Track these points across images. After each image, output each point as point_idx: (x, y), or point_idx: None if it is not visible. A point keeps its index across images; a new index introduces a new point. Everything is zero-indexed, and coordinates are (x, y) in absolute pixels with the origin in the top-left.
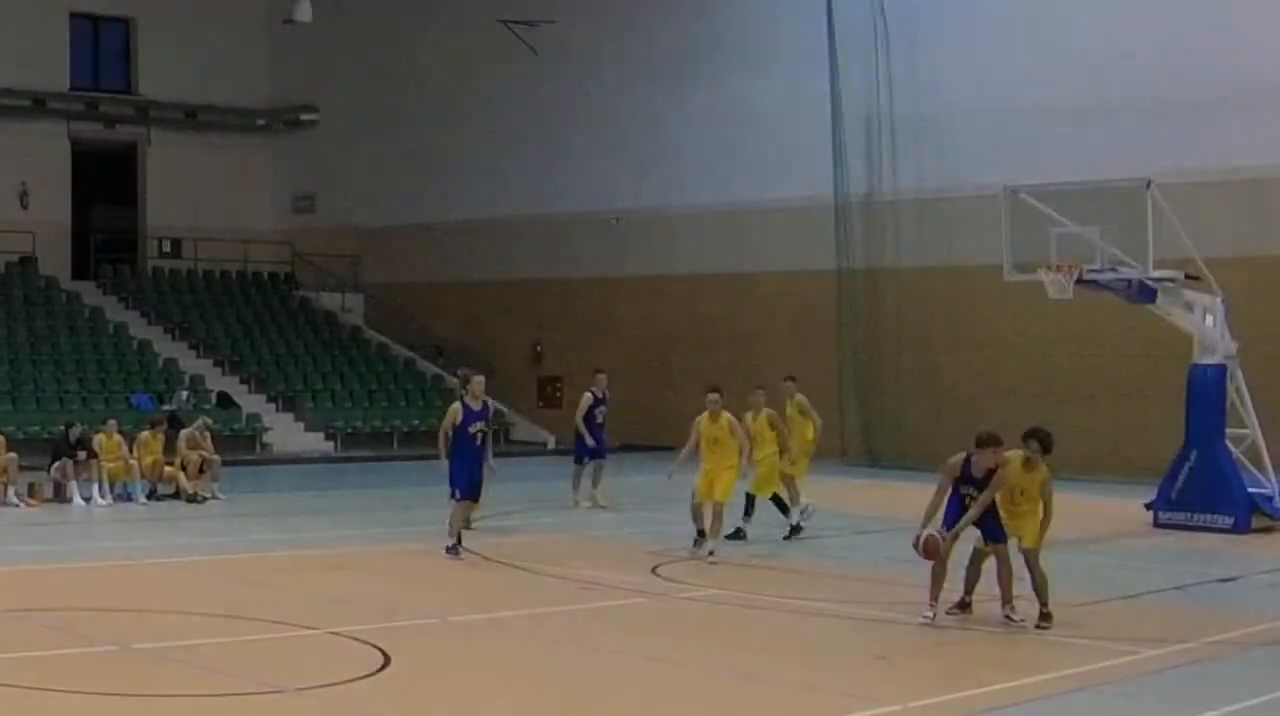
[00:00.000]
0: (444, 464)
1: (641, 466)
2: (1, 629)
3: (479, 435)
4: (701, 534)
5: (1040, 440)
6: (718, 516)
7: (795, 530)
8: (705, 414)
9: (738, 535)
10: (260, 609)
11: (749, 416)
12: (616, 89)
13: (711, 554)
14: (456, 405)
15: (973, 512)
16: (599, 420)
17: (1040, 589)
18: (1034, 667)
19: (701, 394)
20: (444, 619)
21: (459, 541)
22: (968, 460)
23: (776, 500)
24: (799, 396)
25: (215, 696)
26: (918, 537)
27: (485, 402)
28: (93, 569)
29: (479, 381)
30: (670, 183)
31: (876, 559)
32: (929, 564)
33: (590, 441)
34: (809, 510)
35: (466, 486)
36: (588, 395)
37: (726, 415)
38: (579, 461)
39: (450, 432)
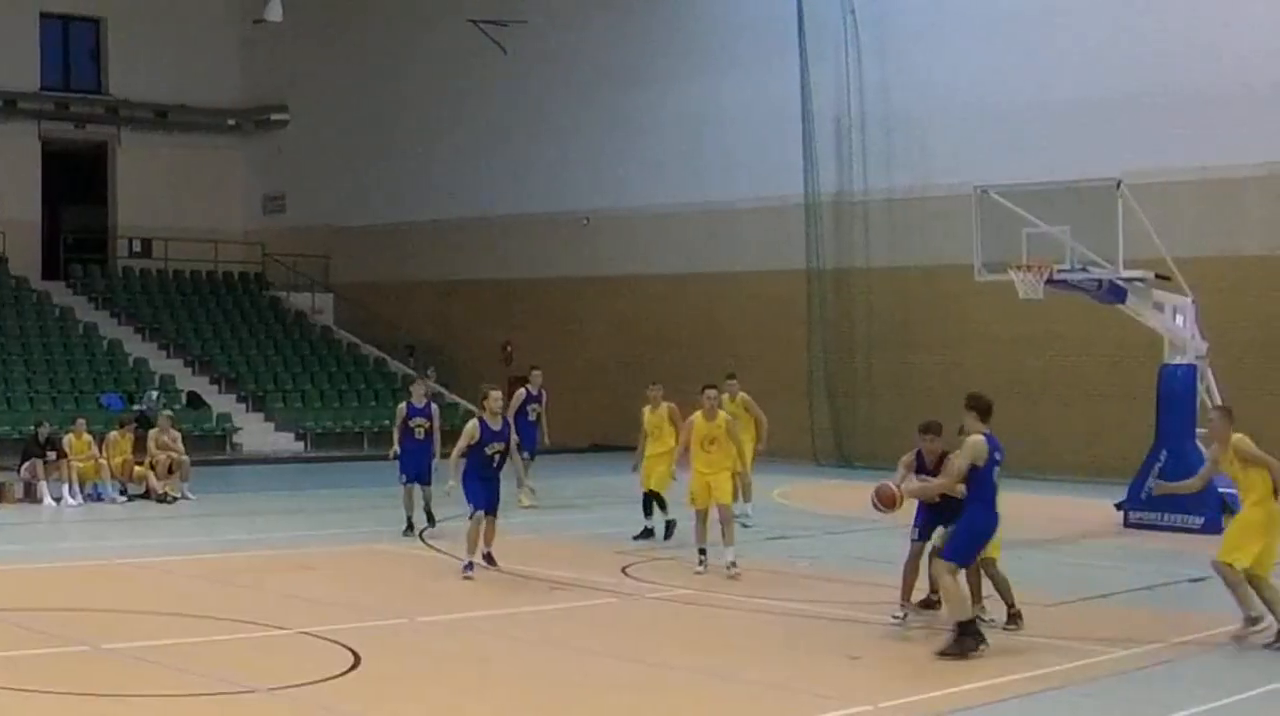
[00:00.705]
0: (456, 487)
1: (611, 466)
2: None
3: (496, 457)
4: (703, 552)
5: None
6: (727, 522)
7: (649, 533)
8: (700, 412)
9: (647, 535)
10: (231, 609)
11: (646, 410)
12: (587, 89)
13: (733, 565)
14: (473, 424)
15: (935, 485)
16: (531, 417)
17: (1003, 591)
18: (1004, 668)
19: (673, 395)
20: (414, 619)
21: (489, 559)
22: (919, 452)
23: (656, 497)
24: (741, 394)
25: (186, 696)
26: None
27: (505, 421)
28: (63, 569)
29: (496, 397)
30: (640, 183)
31: (847, 559)
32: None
33: (522, 435)
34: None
35: (486, 501)
36: (520, 391)
37: (723, 414)
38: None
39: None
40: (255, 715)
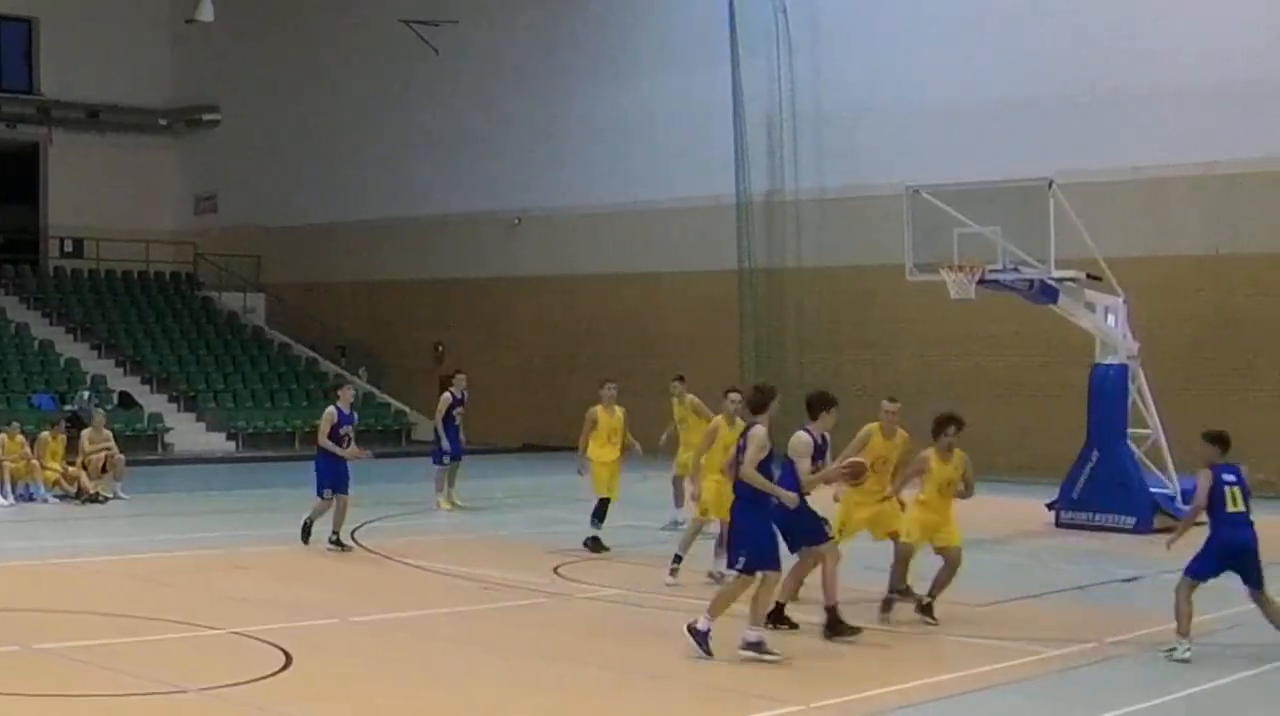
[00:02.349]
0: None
1: (542, 466)
2: None
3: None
4: (680, 560)
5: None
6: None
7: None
8: (722, 417)
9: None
10: (163, 609)
11: (596, 409)
12: (518, 89)
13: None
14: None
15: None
16: (456, 422)
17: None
18: (937, 668)
19: (598, 394)
20: (345, 619)
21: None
22: (808, 431)
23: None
24: (690, 397)
25: (118, 696)
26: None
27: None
28: None
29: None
30: (572, 183)
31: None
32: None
33: (446, 443)
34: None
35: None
36: (446, 396)
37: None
38: (438, 462)
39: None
40: (187, 715)
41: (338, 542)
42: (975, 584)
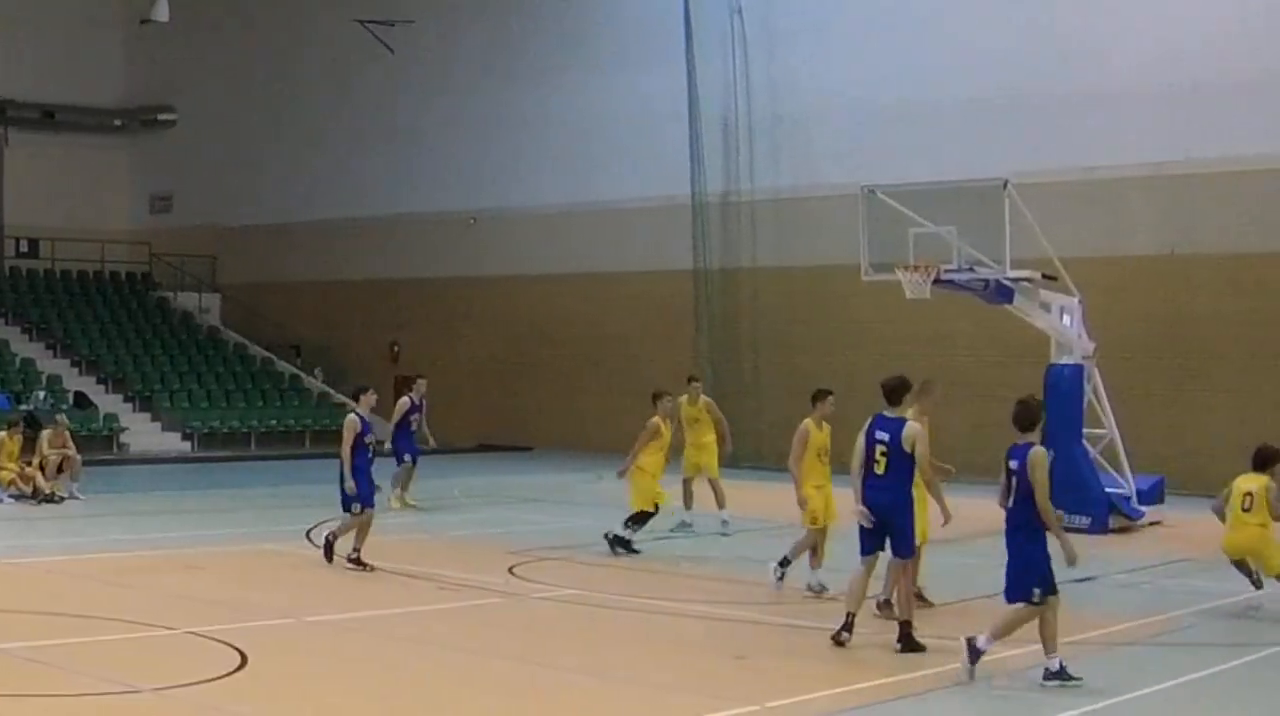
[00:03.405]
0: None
1: (498, 466)
2: None
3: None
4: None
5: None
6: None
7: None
8: (811, 420)
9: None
10: (118, 609)
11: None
12: (473, 89)
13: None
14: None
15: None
16: (413, 427)
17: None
18: (892, 668)
19: (560, 395)
20: (301, 619)
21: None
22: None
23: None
24: (704, 397)
25: (72, 696)
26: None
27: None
28: None
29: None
30: (528, 182)
31: (733, 559)
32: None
33: (399, 446)
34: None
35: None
36: (404, 400)
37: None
38: (400, 461)
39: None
40: (142, 715)
41: (359, 561)
42: (930, 584)
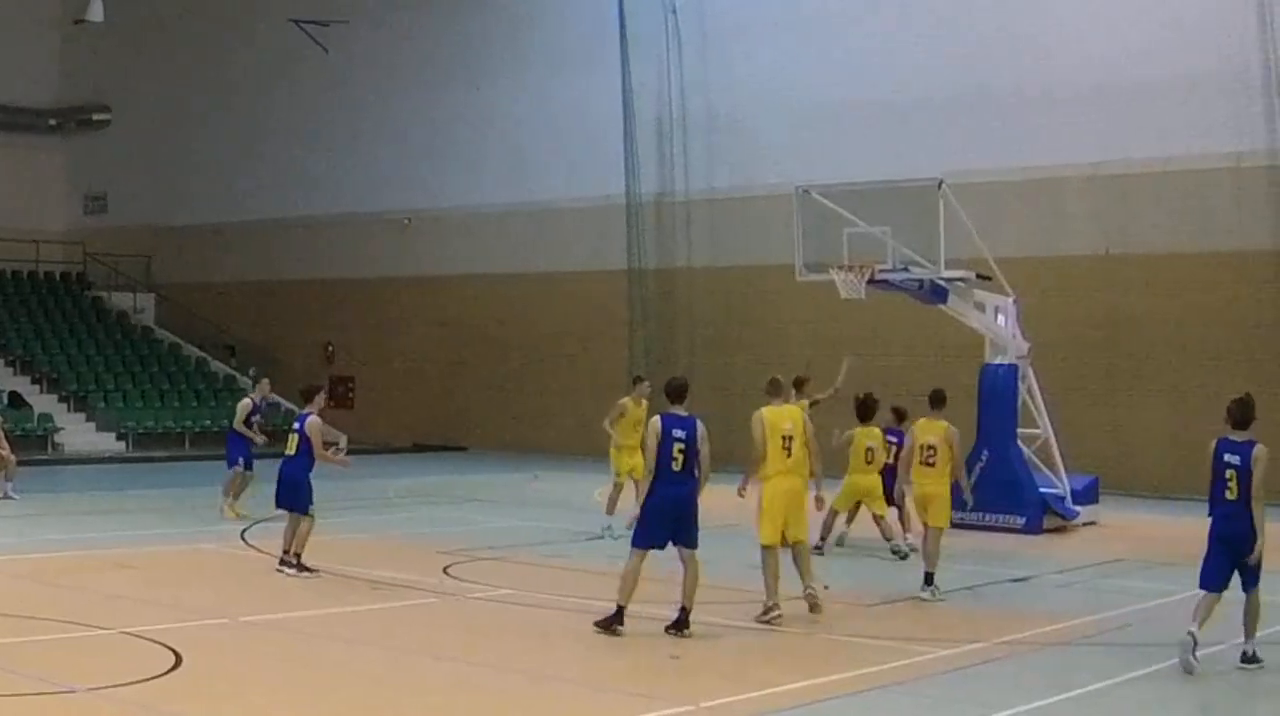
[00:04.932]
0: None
1: (433, 466)
2: None
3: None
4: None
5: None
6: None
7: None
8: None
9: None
10: (52, 609)
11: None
12: (408, 89)
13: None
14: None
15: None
16: (253, 428)
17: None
18: (827, 667)
19: (495, 395)
20: (235, 618)
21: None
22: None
23: None
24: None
25: (8, 697)
26: None
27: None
28: None
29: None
30: (462, 183)
31: (667, 560)
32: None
33: (237, 448)
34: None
35: None
36: (246, 401)
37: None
38: (232, 465)
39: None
40: (76, 715)
41: (298, 564)
42: (866, 584)
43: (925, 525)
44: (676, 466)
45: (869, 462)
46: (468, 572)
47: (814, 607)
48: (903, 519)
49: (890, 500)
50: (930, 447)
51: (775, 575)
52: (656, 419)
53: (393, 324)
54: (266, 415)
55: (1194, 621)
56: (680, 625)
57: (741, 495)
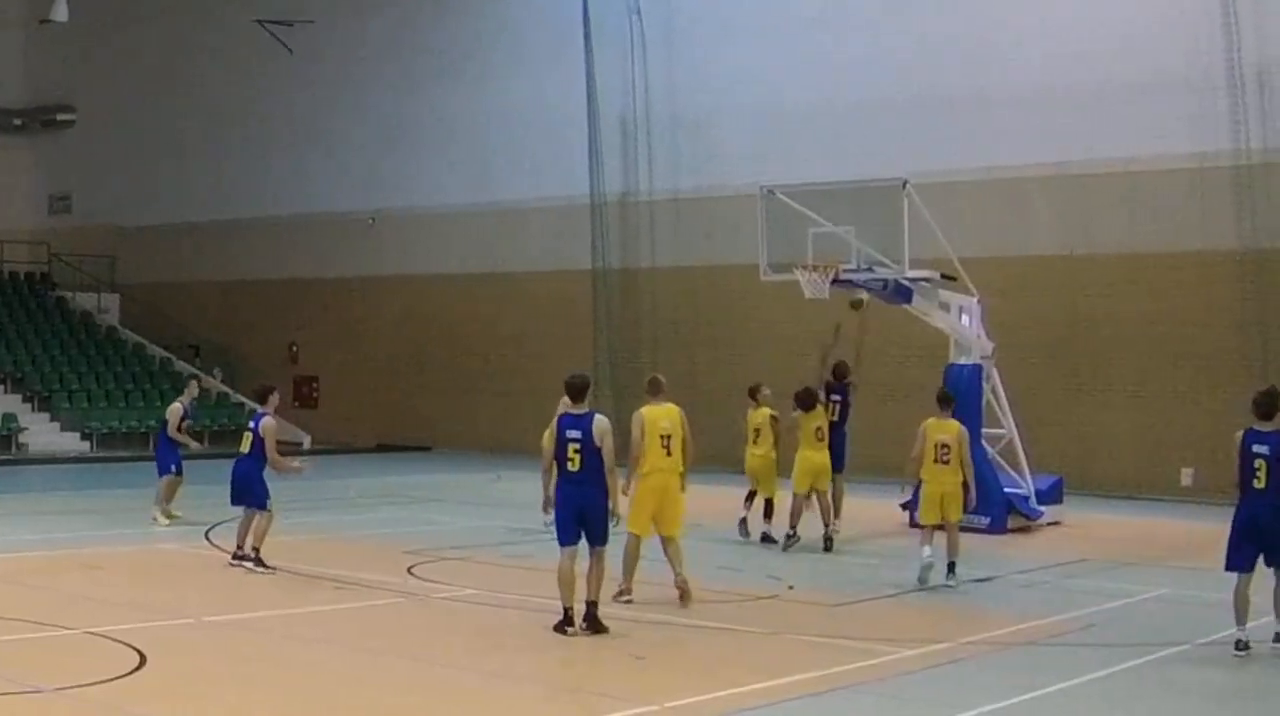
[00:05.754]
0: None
1: (397, 466)
2: None
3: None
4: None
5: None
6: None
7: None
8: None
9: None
10: (17, 608)
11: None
12: (373, 88)
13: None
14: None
15: None
16: (184, 432)
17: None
18: (791, 667)
19: (459, 395)
20: (200, 618)
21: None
22: None
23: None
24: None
25: None
26: None
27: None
28: None
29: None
30: (426, 182)
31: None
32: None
33: (170, 453)
34: None
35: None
36: (176, 406)
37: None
38: (164, 472)
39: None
40: (42, 715)
41: (256, 559)
42: (829, 584)
43: (945, 519)
44: (573, 466)
45: (819, 440)
46: (432, 572)
47: (684, 597)
48: (823, 511)
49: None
50: (945, 447)
51: (634, 561)
52: (555, 419)
53: (357, 324)
54: (196, 416)
55: (1240, 626)
56: (591, 620)
57: (625, 494)
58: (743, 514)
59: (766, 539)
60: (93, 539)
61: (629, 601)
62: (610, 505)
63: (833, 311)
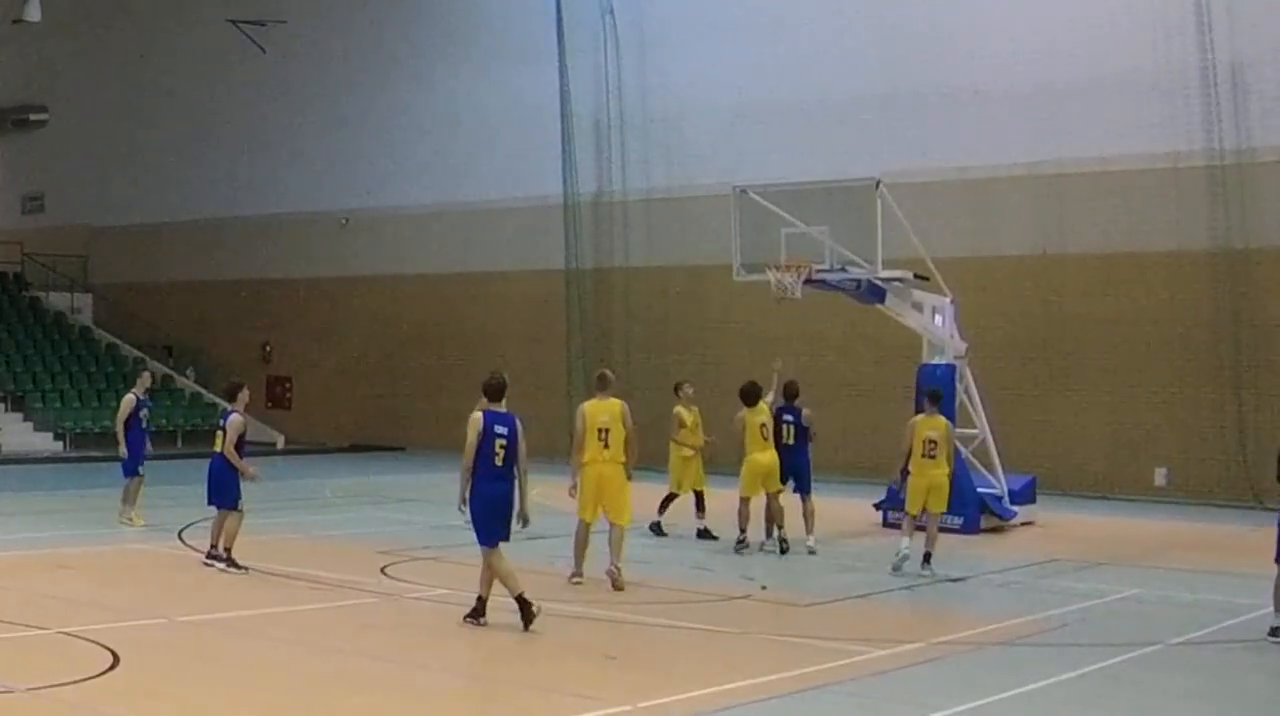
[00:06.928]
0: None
1: (370, 466)
2: None
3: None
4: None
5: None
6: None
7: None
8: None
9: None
10: None
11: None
12: (345, 89)
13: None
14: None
15: None
16: (143, 425)
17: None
18: (764, 668)
19: (432, 394)
20: (173, 618)
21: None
22: None
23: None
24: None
25: None
26: None
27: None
28: None
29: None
30: (399, 183)
31: (604, 560)
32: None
33: (125, 451)
34: None
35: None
36: (130, 397)
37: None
38: (129, 474)
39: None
40: (14, 715)
41: (228, 560)
42: (802, 584)
43: (926, 510)
44: (498, 461)
45: (764, 438)
46: (406, 572)
47: (615, 586)
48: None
49: (783, 477)
50: (932, 442)
51: (584, 546)
52: (479, 415)
53: (330, 324)
54: (151, 407)
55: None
56: (477, 614)
57: (572, 495)
58: (657, 518)
59: (704, 535)
60: (66, 539)
61: (579, 582)
62: (519, 506)
63: (807, 313)
